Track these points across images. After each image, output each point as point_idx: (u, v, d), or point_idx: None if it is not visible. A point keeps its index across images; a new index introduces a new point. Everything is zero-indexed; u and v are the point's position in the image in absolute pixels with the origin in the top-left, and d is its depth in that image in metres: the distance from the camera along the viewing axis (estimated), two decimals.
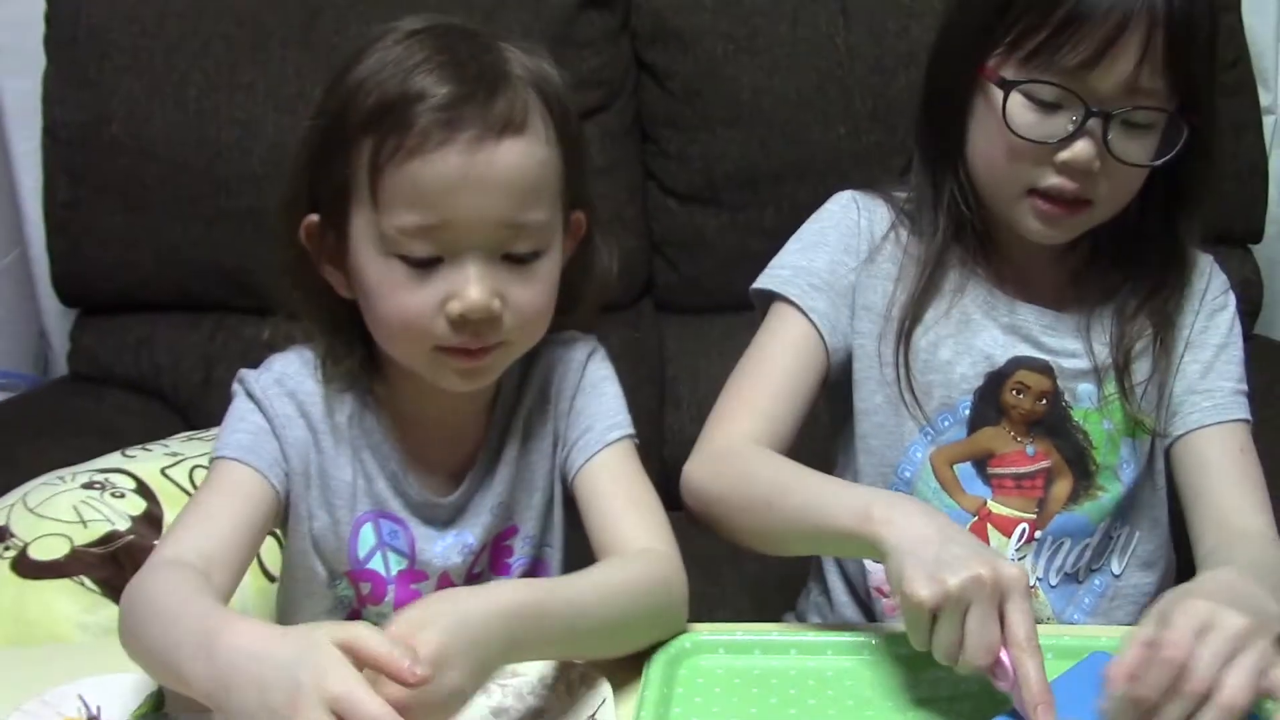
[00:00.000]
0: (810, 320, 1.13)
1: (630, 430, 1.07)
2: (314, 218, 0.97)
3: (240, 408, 1.02)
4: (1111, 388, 1.13)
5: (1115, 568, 1.17)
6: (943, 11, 1.15)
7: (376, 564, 1.04)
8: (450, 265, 0.92)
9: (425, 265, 0.92)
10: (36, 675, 0.92)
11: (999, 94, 1.04)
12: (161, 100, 1.72)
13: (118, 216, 1.75)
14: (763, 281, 1.17)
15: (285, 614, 1.10)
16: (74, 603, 1.21)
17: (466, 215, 0.91)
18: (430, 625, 0.77)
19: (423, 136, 0.89)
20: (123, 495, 1.31)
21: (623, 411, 1.07)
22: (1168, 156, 1.04)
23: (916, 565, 0.85)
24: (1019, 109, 1.04)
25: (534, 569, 1.09)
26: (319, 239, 0.98)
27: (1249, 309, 1.74)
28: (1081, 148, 1.02)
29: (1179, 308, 1.14)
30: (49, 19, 1.78)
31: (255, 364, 1.05)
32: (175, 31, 1.74)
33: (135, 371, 1.79)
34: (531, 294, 0.95)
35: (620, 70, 1.78)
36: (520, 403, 1.06)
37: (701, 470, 1.09)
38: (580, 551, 1.10)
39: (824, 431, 1.23)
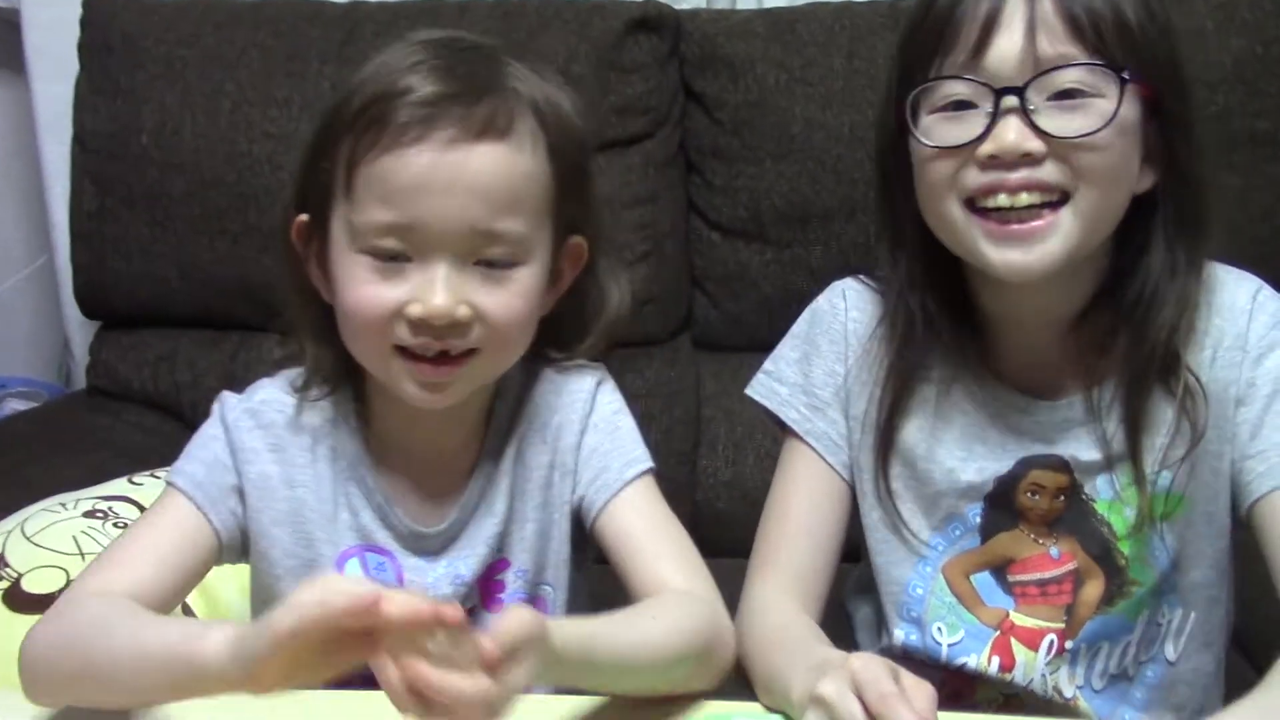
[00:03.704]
0: (815, 450, 1.10)
1: (649, 464, 1.04)
2: (303, 218, 0.98)
3: (207, 433, 1.02)
4: (1127, 475, 1.03)
5: (1170, 654, 1.08)
6: None
7: None
8: (418, 266, 0.91)
9: (393, 262, 0.91)
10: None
11: (911, 122, 0.99)
12: (193, 112, 1.71)
13: (143, 229, 1.74)
14: (760, 393, 1.13)
15: None
16: None
17: (435, 216, 0.90)
18: (516, 613, 0.76)
19: (399, 132, 0.89)
20: (125, 525, 1.27)
21: (639, 445, 1.05)
22: (1112, 116, 0.94)
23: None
24: (930, 122, 0.98)
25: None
26: (306, 240, 0.98)
27: None
28: (1004, 132, 0.94)
29: (1214, 362, 1.03)
30: (84, 24, 1.78)
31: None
32: (210, 42, 1.73)
33: (155, 388, 1.77)
34: (502, 301, 0.93)
35: (667, 97, 1.74)
36: (513, 430, 1.04)
37: (737, 629, 1.07)
38: (585, 594, 1.09)
39: None
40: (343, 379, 1.01)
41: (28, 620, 1.16)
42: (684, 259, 1.76)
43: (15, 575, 1.21)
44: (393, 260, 0.91)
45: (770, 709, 0.94)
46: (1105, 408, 1.03)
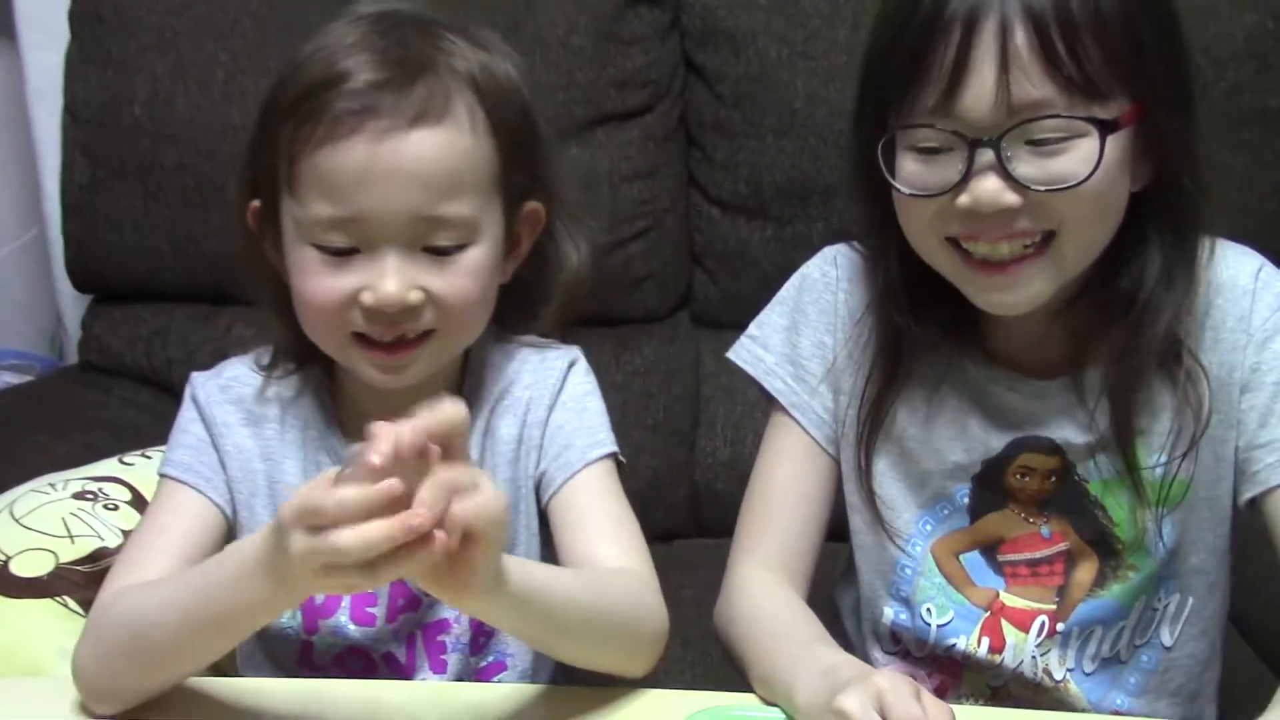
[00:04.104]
0: (799, 423, 1.07)
1: (613, 448, 1.03)
2: (256, 202, 0.98)
3: (184, 416, 1.03)
4: (1121, 460, 1.00)
5: (1166, 639, 1.06)
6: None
7: None
8: (367, 255, 0.91)
9: (342, 254, 0.92)
10: (18, 713, 0.89)
11: (886, 164, 0.95)
12: (185, 82, 1.68)
13: (135, 201, 1.71)
14: (744, 359, 1.10)
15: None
16: (55, 625, 1.15)
17: (377, 208, 0.90)
18: None
19: (334, 124, 0.89)
20: (116, 508, 1.25)
21: (605, 429, 1.04)
22: (1095, 166, 0.89)
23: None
24: (906, 161, 0.94)
25: None
26: (261, 223, 0.98)
27: None
28: (980, 186, 0.90)
29: (1216, 343, 1.00)
30: None
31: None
32: (203, 11, 1.70)
33: (147, 363, 1.75)
34: (453, 284, 0.93)
35: (667, 70, 1.71)
36: (484, 404, 1.03)
37: (719, 613, 1.06)
38: None
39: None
40: (308, 355, 1.01)
41: (17, 605, 1.16)
42: (684, 235, 1.74)
43: (3, 558, 1.19)
44: (341, 253, 0.91)
45: (766, 701, 0.93)
46: (1096, 391, 1.00)
